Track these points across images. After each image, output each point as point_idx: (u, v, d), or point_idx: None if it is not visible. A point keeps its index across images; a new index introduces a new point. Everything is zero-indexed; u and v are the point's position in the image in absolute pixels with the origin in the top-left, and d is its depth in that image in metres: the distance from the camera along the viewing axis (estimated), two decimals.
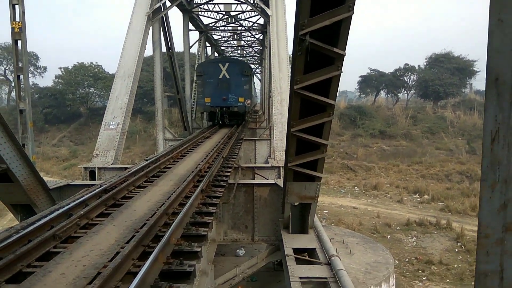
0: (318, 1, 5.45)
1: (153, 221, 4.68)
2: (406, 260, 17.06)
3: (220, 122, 20.66)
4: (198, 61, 30.19)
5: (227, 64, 21.27)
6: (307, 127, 6.55)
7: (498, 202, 1.15)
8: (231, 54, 49.20)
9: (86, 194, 6.11)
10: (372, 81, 55.36)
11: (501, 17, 1.19)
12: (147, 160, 9.30)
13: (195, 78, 26.65)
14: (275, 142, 12.63)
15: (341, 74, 6.12)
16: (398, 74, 53.61)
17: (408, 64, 53.42)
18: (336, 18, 5.50)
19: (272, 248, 7.78)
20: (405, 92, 55.56)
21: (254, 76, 52.17)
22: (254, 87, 41.44)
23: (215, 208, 5.90)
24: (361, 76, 57.10)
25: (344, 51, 5.91)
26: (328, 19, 5.48)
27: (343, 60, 6.00)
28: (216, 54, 42.77)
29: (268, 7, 17.88)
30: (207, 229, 4.86)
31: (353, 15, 5.48)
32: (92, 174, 10.63)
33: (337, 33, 5.81)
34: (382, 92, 57.28)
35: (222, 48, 44.13)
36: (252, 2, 21.96)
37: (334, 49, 5.90)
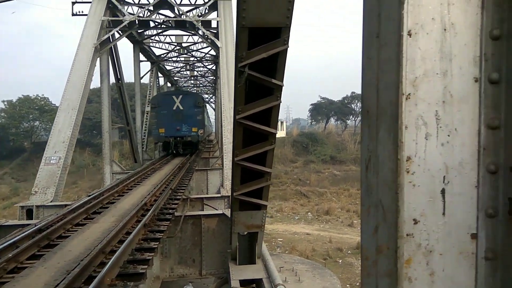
0: (255, 35, 5.66)
1: (87, 261, 4.45)
2: (357, 284, 17.27)
3: (174, 152, 21.33)
4: (149, 91, 29.91)
5: (180, 96, 22.36)
6: (251, 156, 6.63)
7: (372, 226, 1.23)
8: (184, 85, 49.20)
9: (18, 235, 5.73)
10: (322, 109, 57.39)
11: (370, 55, 1.30)
12: (89, 196, 8.91)
13: (147, 109, 26.40)
14: (225, 172, 12.60)
15: (281, 103, 6.32)
16: (346, 101, 56.05)
17: (354, 92, 56.10)
18: (272, 51, 5.73)
19: (220, 282, 7.59)
20: (353, 118, 58.01)
21: (209, 106, 52.48)
22: (208, 117, 41.72)
23: (158, 243, 5.72)
24: (312, 104, 59.13)
25: (282, 82, 6.13)
26: (265, 52, 5.71)
27: (282, 90, 6.21)
28: (169, 85, 42.63)
29: (218, 39, 18.29)
30: (146, 266, 4.69)
31: (288, 48, 5.75)
32: (29, 213, 9.98)
33: (275, 65, 6.02)
34: (332, 119, 59.46)
35: (175, 78, 44.07)
36: (202, 34, 22.38)
37: (273, 80, 6.10)
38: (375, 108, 1.25)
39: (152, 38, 26.41)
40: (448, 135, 1.22)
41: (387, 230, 1.15)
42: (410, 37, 1.20)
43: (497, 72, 1.22)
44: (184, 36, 27.80)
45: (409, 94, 1.20)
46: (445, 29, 1.21)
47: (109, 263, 4.33)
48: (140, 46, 25.01)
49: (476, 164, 1.23)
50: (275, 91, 6.10)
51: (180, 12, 19.10)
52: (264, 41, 5.63)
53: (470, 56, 1.22)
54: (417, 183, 1.20)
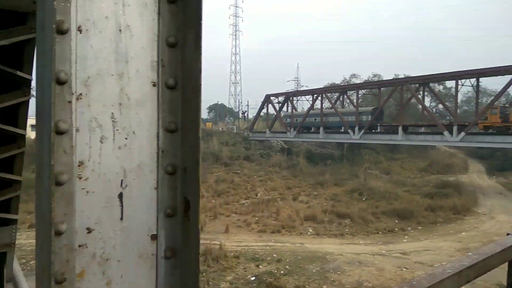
0: None
1: None
2: None
3: None
4: None
5: None
6: None
7: (40, 241, 1.09)
8: None
9: None
10: None
11: (40, 49, 1.16)
12: None
13: None
14: None
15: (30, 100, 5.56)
16: None
17: None
18: (15, 38, 4.94)
19: None
20: None
21: None
22: None
23: None
24: None
25: (31, 75, 5.39)
26: (6, 39, 4.88)
27: (31, 85, 5.46)
28: None
29: None
30: None
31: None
32: None
33: (22, 56, 5.24)
34: None
35: None
36: None
37: (18, 72, 5.28)
38: (41, 107, 1.12)
39: None
40: (126, 138, 1.19)
41: (52, 244, 1.04)
42: (80, 33, 1.11)
43: (173, 78, 1.26)
44: None
45: (81, 94, 1.12)
46: (120, 30, 1.18)
47: None
48: None
49: (155, 166, 1.25)
50: (23, 86, 5.31)
51: None
52: (5, 26, 4.80)
53: (147, 60, 1.23)
54: (91, 189, 1.13)
